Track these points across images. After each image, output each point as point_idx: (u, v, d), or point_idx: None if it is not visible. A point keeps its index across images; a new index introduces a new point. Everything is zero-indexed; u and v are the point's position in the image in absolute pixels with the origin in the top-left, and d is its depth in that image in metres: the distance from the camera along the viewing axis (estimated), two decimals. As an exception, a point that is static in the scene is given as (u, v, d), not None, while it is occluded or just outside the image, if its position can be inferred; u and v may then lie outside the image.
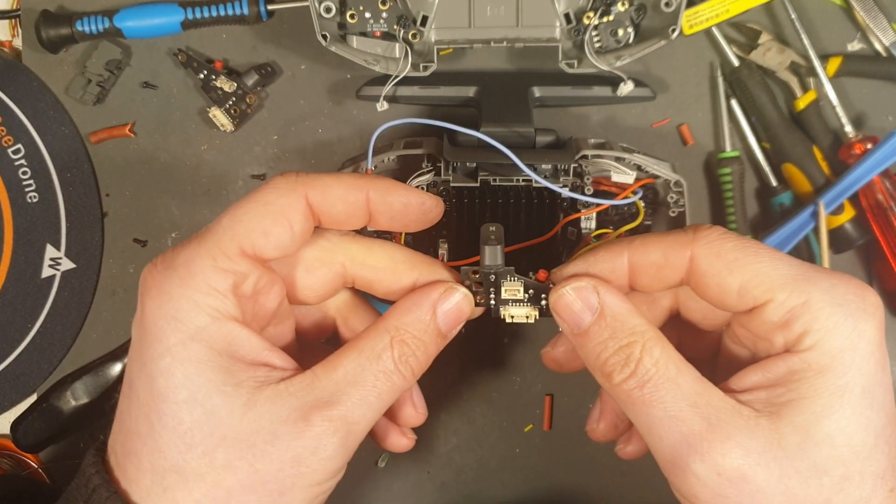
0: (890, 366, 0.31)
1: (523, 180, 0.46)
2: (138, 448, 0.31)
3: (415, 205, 0.35)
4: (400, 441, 0.38)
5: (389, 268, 0.35)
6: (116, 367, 0.53)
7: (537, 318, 0.35)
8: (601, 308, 0.32)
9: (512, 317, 0.35)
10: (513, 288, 0.35)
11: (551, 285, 0.34)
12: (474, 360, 0.54)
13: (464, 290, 0.35)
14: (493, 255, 0.34)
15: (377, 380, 0.32)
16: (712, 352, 0.37)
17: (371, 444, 0.55)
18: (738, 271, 0.31)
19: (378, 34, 0.50)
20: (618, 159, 0.47)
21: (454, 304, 0.34)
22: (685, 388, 0.30)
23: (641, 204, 0.46)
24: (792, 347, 0.30)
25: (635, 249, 0.33)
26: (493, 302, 0.35)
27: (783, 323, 0.30)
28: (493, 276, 0.35)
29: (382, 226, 0.35)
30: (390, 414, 0.38)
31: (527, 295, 0.35)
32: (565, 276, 0.34)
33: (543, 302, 0.35)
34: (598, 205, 0.45)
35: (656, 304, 0.37)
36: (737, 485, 0.29)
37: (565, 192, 0.45)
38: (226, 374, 0.31)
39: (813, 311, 0.30)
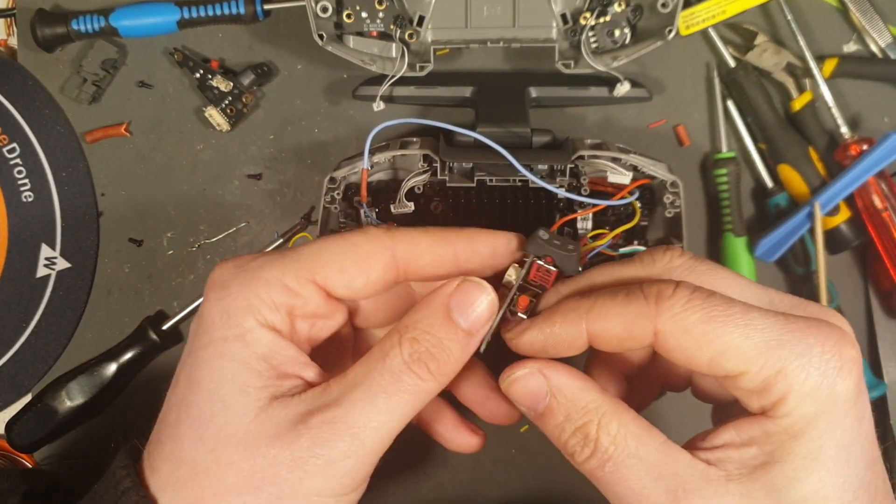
0: (870, 410, 0.30)
1: (520, 181, 0.46)
2: (164, 437, 0.32)
3: (502, 244, 0.35)
4: (466, 439, 0.38)
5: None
6: (111, 368, 0.53)
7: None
8: (551, 391, 0.32)
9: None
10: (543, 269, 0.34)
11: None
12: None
13: (479, 280, 0.33)
14: (535, 243, 0.34)
15: (383, 379, 0.31)
16: (687, 378, 0.37)
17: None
18: (706, 346, 0.29)
19: (374, 34, 0.50)
20: (614, 160, 0.47)
21: (469, 295, 0.32)
22: (647, 461, 0.30)
23: (638, 204, 0.46)
24: (767, 411, 0.29)
25: (593, 321, 0.31)
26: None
27: (758, 391, 0.29)
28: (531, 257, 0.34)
29: (473, 271, 0.35)
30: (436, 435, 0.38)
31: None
32: (522, 343, 0.33)
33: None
34: (594, 205, 0.45)
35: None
36: None
37: (562, 193, 0.45)
38: (255, 377, 0.31)
39: (788, 378, 0.28)
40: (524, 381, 0.32)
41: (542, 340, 0.33)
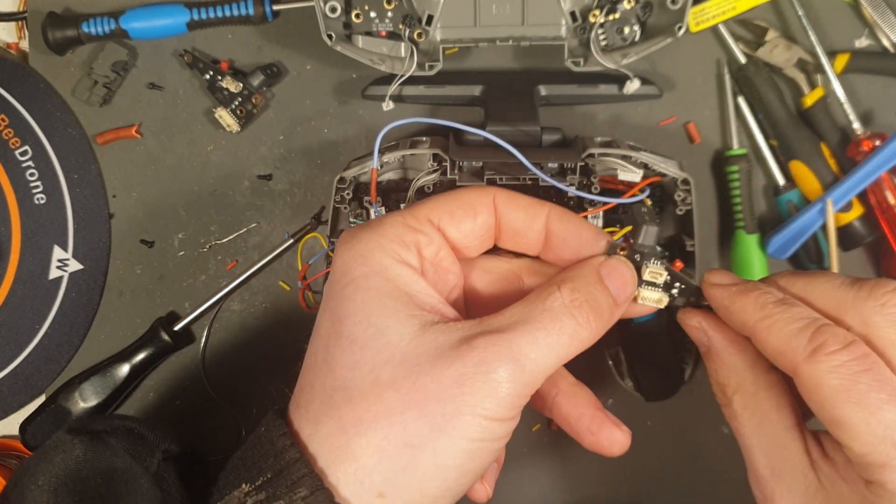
0: None
1: (530, 179, 0.46)
2: (312, 378, 0.33)
3: (589, 234, 0.36)
4: (612, 434, 0.38)
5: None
6: (124, 368, 0.53)
7: (666, 305, 0.36)
8: (708, 346, 0.36)
9: (644, 299, 0.36)
10: (656, 271, 0.35)
11: (697, 284, 0.36)
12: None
13: (625, 259, 0.35)
14: (649, 236, 0.35)
15: (543, 317, 0.32)
16: None
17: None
18: (828, 410, 0.30)
19: (383, 34, 0.50)
20: (624, 157, 0.47)
21: (618, 269, 0.35)
22: (764, 436, 0.34)
23: (649, 202, 0.46)
24: (864, 476, 0.31)
25: (756, 333, 0.33)
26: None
27: (859, 465, 0.31)
28: (639, 256, 0.35)
29: (554, 251, 0.36)
30: None
31: (664, 281, 0.36)
32: (709, 293, 0.36)
33: (675, 291, 0.36)
34: (605, 203, 0.45)
35: None
36: None
37: (572, 191, 0.44)
38: (402, 304, 0.32)
39: (886, 474, 0.30)
40: (693, 329, 0.37)
41: (720, 304, 0.35)
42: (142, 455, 0.35)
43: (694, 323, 0.36)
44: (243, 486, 0.32)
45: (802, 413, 0.35)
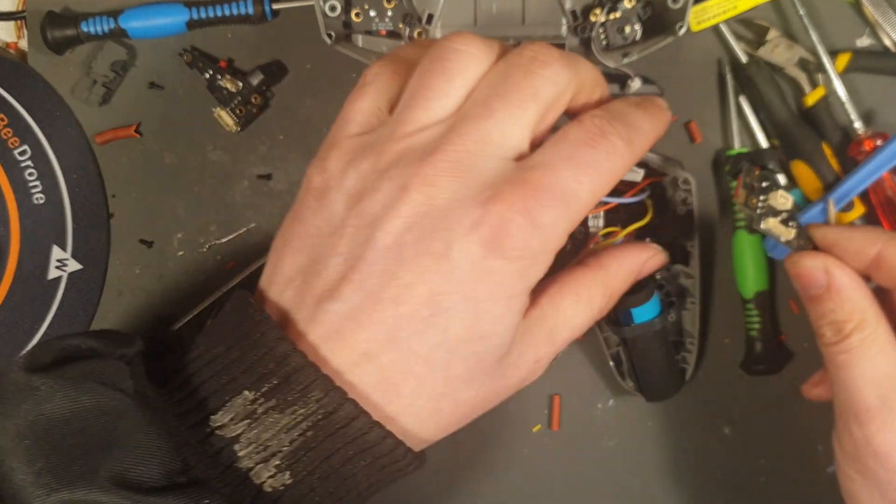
0: None
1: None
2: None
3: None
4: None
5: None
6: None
7: (791, 240, 0.38)
8: (829, 285, 0.37)
9: (769, 229, 0.38)
10: (784, 199, 0.37)
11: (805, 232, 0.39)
12: (481, 360, 0.54)
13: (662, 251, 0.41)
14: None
15: (586, 323, 0.37)
16: None
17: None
18: None
19: (383, 33, 0.50)
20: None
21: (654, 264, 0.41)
22: (878, 367, 0.35)
23: (650, 202, 0.46)
24: None
25: (887, 250, 0.36)
26: (759, 207, 0.38)
27: None
28: (767, 183, 0.37)
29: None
30: None
31: (789, 212, 0.38)
32: (819, 231, 0.38)
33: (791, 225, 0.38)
34: (605, 203, 0.45)
35: None
36: (883, 459, 0.35)
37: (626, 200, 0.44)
38: None
39: None
40: (809, 269, 0.37)
41: (835, 238, 0.38)
42: (115, 379, 0.31)
43: (817, 263, 0.37)
44: (245, 392, 0.31)
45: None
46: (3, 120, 0.54)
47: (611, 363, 0.50)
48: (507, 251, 0.31)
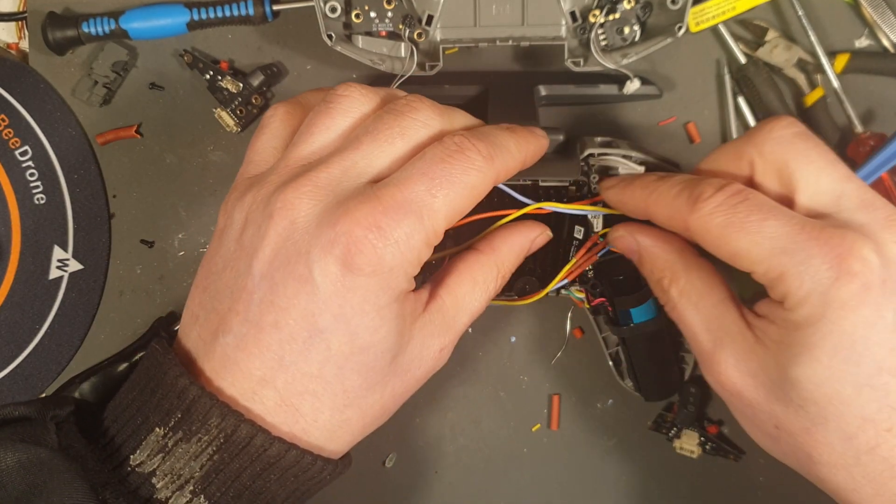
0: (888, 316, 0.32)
1: (530, 179, 0.46)
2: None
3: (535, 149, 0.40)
4: None
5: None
6: (124, 368, 0.53)
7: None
8: (639, 249, 0.40)
9: None
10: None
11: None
12: (481, 360, 0.54)
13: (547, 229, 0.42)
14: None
15: (483, 306, 0.39)
16: None
17: (377, 445, 0.55)
18: (723, 247, 0.34)
19: (383, 34, 0.50)
20: (625, 157, 0.47)
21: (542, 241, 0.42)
22: (703, 312, 0.37)
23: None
24: (780, 302, 0.34)
25: (650, 204, 0.38)
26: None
27: (768, 287, 0.34)
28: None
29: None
30: None
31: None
32: (605, 194, 0.42)
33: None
34: (604, 205, 0.45)
35: None
36: (735, 397, 0.36)
37: (570, 212, 0.44)
38: None
39: (786, 283, 0.33)
40: (621, 239, 0.41)
41: (615, 201, 0.41)
42: (39, 437, 0.33)
43: (620, 233, 0.41)
44: (157, 429, 0.33)
45: (740, 295, 0.38)
46: (4, 120, 0.54)
47: (610, 363, 0.50)
48: (361, 267, 0.32)
